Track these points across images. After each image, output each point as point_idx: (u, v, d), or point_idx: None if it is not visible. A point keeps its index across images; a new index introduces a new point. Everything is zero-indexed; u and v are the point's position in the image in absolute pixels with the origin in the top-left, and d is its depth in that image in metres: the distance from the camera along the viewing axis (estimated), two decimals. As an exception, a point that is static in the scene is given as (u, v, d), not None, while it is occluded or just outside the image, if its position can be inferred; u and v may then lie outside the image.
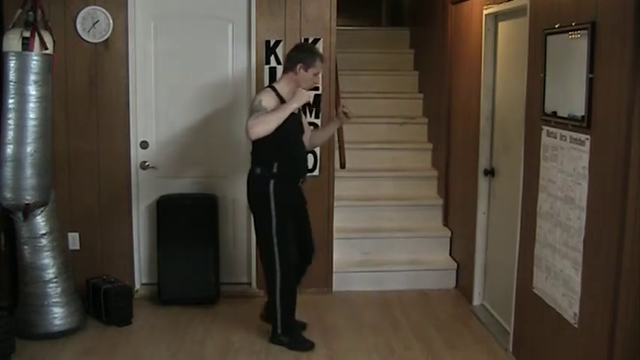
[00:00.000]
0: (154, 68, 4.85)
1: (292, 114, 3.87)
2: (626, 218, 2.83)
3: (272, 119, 3.71)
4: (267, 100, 3.82)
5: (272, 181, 3.89)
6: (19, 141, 3.91)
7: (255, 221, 4.08)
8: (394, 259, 5.28)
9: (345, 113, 4.18)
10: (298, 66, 3.88)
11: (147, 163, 4.90)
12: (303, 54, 3.93)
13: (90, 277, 4.56)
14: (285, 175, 3.94)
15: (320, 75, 4.10)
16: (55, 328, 4.16)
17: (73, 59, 4.67)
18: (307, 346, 4.08)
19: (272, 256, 3.95)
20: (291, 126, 3.89)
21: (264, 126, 3.69)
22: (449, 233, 5.42)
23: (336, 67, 4.99)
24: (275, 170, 3.90)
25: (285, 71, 3.98)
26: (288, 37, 4.81)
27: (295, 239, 4.14)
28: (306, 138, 4.23)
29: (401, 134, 6.05)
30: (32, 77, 3.89)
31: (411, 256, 5.34)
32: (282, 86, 3.94)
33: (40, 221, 4.10)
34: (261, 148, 3.89)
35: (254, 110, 3.78)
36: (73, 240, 4.80)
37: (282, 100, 3.87)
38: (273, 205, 3.90)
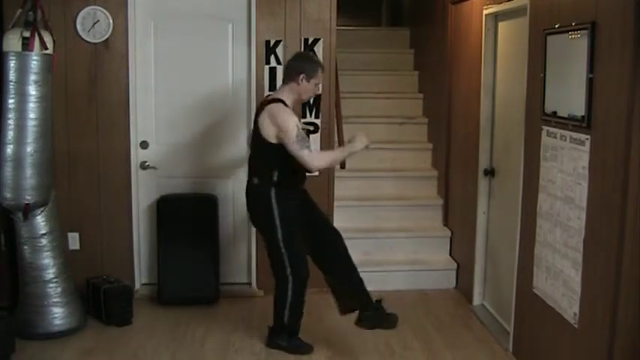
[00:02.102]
0: (154, 68, 4.85)
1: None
2: (626, 218, 2.83)
3: (338, 159, 3.99)
4: (294, 120, 3.72)
5: (273, 190, 3.82)
6: (19, 141, 3.91)
7: (261, 234, 4.02)
8: (394, 259, 5.28)
9: (364, 145, 3.96)
10: (301, 76, 3.80)
11: (147, 163, 4.90)
12: (304, 64, 3.86)
13: (90, 277, 4.56)
14: (286, 184, 3.85)
15: (320, 85, 4.00)
16: (55, 328, 4.16)
17: (73, 59, 4.67)
18: (305, 349, 4.05)
19: (283, 268, 3.87)
20: None
21: (331, 164, 3.95)
22: (449, 233, 5.41)
23: (336, 67, 4.99)
24: (275, 179, 3.81)
25: (285, 81, 3.88)
26: (288, 37, 4.81)
27: (310, 244, 4.02)
28: None
29: (401, 134, 6.05)
30: (32, 77, 3.89)
31: (411, 256, 5.34)
32: (286, 97, 3.84)
33: (40, 221, 4.10)
34: (263, 157, 3.83)
35: (300, 138, 3.66)
36: (73, 240, 4.80)
37: None
38: (276, 214, 3.81)
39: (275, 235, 3.83)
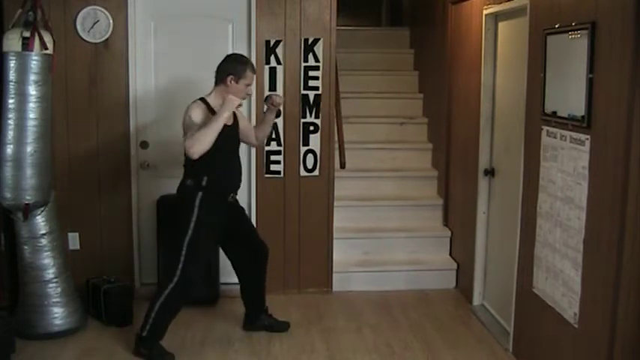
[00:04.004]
0: (154, 68, 4.86)
1: (227, 127, 3.81)
2: (626, 218, 2.83)
3: (208, 133, 3.63)
4: (196, 113, 3.74)
5: (199, 194, 3.82)
6: (19, 141, 3.91)
7: (170, 230, 3.99)
8: (394, 259, 5.28)
9: (272, 104, 4.09)
10: (229, 78, 3.80)
11: (147, 163, 4.90)
12: (233, 65, 3.85)
13: (90, 277, 4.56)
14: (214, 189, 3.86)
15: (252, 86, 4.00)
16: (55, 328, 4.16)
17: (73, 59, 4.67)
18: (167, 358, 3.90)
19: (175, 267, 3.82)
20: (226, 139, 3.80)
21: (202, 143, 3.62)
22: (449, 233, 5.41)
23: (336, 67, 4.99)
24: (204, 183, 3.82)
25: (216, 83, 3.89)
26: (288, 37, 4.81)
27: (235, 255, 4.20)
28: (252, 136, 4.23)
29: (401, 134, 6.05)
30: (32, 77, 3.89)
31: (411, 256, 5.34)
32: (212, 98, 3.85)
33: (40, 221, 4.10)
34: (194, 160, 3.79)
35: (187, 127, 3.71)
36: (73, 240, 4.80)
37: (212, 112, 3.79)
38: (194, 217, 3.81)
39: (183, 236, 3.82)
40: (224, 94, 3.82)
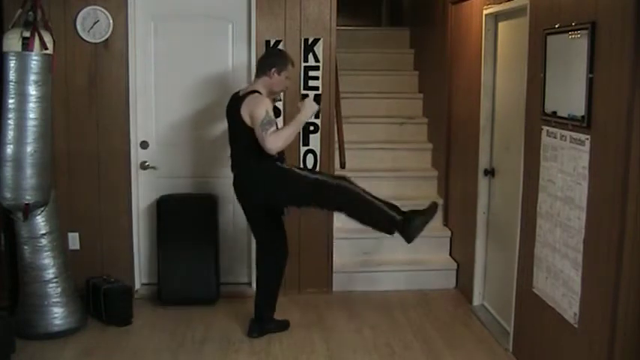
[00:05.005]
0: (154, 68, 4.86)
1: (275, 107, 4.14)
2: (626, 218, 2.84)
3: (291, 134, 3.92)
4: (270, 108, 3.90)
5: (277, 163, 3.99)
6: (19, 141, 3.91)
7: (292, 196, 4.07)
8: (394, 259, 5.28)
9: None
10: (273, 70, 4.03)
11: (147, 163, 4.90)
12: (276, 59, 4.10)
13: (90, 277, 4.56)
14: (283, 159, 4.09)
15: (290, 78, 4.19)
16: (55, 328, 4.16)
17: (73, 59, 4.67)
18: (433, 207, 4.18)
19: (336, 186, 3.99)
20: None
21: (287, 142, 3.88)
22: (449, 233, 5.41)
23: (336, 67, 4.99)
24: (277, 155, 3.98)
25: (258, 75, 4.08)
26: (288, 37, 4.81)
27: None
28: None
29: (401, 134, 6.04)
30: (32, 77, 3.89)
31: (411, 256, 5.34)
32: (261, 90, 4.01)
33: (40, 221, 4.10)
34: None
35: (265, 122, 3.81)
36: (73, 240, 4.80)
37: None
38: (294, 171, 4.02)
39: (308, 177, 4.00)
40: (267, 85, 4.04)
